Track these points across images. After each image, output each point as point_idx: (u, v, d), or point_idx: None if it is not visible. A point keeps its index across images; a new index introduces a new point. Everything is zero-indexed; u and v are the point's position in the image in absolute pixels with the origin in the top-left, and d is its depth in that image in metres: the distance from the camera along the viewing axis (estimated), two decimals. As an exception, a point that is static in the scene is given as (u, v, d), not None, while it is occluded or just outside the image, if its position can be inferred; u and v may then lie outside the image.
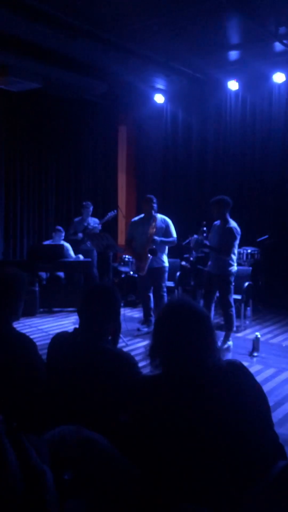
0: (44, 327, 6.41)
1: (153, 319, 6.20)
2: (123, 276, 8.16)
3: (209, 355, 1.73)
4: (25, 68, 6.89)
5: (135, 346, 5.59)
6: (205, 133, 8.61)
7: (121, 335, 2.37)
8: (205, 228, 5.55)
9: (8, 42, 6.38)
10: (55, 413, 2.11)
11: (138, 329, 6.28)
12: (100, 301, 2.22)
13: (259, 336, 5.41)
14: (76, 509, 1.64)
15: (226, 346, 5.43)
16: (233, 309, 5.62)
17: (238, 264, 7.01)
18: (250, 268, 6.74)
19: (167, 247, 6.23)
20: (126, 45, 6.67)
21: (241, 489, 1.62)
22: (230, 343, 5.55)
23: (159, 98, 8.94)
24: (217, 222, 5.58)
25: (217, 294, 5.66)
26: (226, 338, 5.50)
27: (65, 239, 8.00)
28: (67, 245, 7.76)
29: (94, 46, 6.52)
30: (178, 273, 7.17)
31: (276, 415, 3.72)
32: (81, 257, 7.74)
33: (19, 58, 6.63)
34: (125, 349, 2.37)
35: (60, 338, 2.31)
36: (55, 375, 2.23)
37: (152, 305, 6.36)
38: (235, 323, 5.71)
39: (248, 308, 6.79)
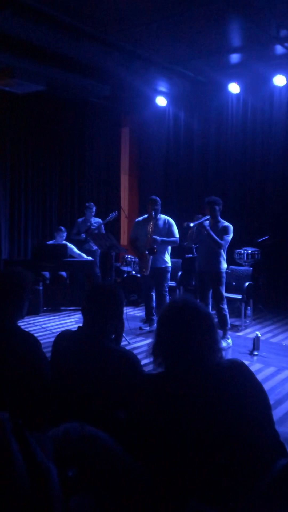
0: (48, 326, 6.45)
1: (155, 318, 6.23)
2: (125, 275, 8.20)
3: (211, 354, 1.75)
4: (29, 70, 6.92)
5: (137, 344, 5.63)
6: (206, 135, 8.63)
7: (123, 334, 2.40)
8: (208, 217, 5.63)
9: (12, 44, 6.42)
10: (59, 411, 2.14)
11: (140, 328, 6.32)
12: (104, 300, 2.25)
13: (259, 335, 5.44)
14: (80, 505, 1.66)
15: (225, 345, 5.46)
16: (226, 305, 5.69)
17: (239, 264, 7.07)
18: (251, 268, 6.77)
19: (170, 248, 6.26)
20: (129, 48, 6.71)
21: (242, 487, 1.64)
22: (229, 341, 5.59)
23: (161, 101, 8.97)
24: (207, 223, 5.62)
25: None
26: (223, 337, 5.55)
27: (68, 239, 8.04)
28: (70, 244, 7.81)
29: (98, 49, 6.55)
30: (179, 273, 7.20)
31: (276, 414, 3.75)
32: (85, 255, 7.78)
33: (23, 61, 6.66)
34: (127, 348, 2.40)
35: (64, 337, 2.33)
36: (59, 373, 2.25)
37: (154, 304, 6.40)
38: (229, 319, 5.76)
39: (249, 308, 6.81)
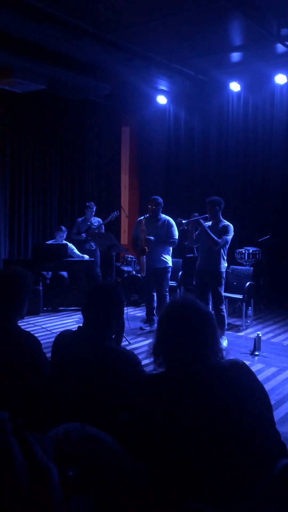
0: (48, 326, 6.44)
1: (156, 318, 6.23)
2: (125, 275, 8.20)
3: (212, 354, 1.75)
4: (30, 69, 6.93)
5: (138, 345, 5.63)
6: (207, 134, 8.63)
7: (124, 334, 2.40)
8: (207, 216, 5.63)
9: (12, 43, 6.41)
10: (59, 411, 2.14)
11: (141, 328, 6.32)
12: (104, 300, 2.24)
13: (260, 335, 5.44)
14: (81, 505, 1.66)
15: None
16: (224, 306, 5.69)
17: (240, 264, 7.06)
18: (252, 268, 6.76)
19: (171, 248, 6.25)
20: (129, 46, 6.70)
21: (244, 487, 1.64)
22: (224, 343, 5.59)
23: (161, 99, 8.96)
24: (208, 223, 5.65)
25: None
26: (220, 337, 5.53)
27: (68, 239, 8.04)
28: (71, 244, 7.81)
29: (98, 48, 6.55)
30: (180, 273, 7.20)
31: (277, 414, 3.75)
32: (86, 256, 7.78)
33: (23, 60, 6.66)
34: (127, 348, 2.39)
35: (64, 337, 2.33)
36: (60, 373, 2.25)
37: (155, 304, 6.40)
38: (226, 320, 5.76)
39: (250, 308, 6.81)
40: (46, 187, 8.90)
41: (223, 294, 5.76)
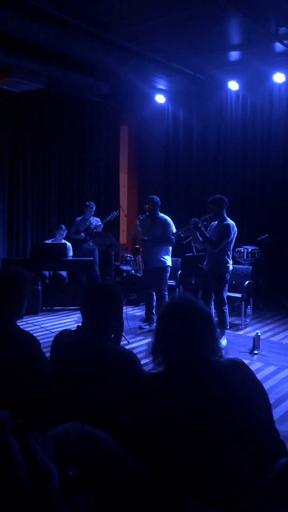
0: (47, 325, 6.44)
1: (155, 317, 6.23)
2: (124, 275, 8.20)
3: (211, 353, 1.75)
4: (28, 68, 6.91)
5: (137, 344, 5.63)
6: (206, 133, 8.63)
7: (123, 333, 2.40)
8: (208, 217, 5.62)
9: (11, 43, 6.40)
10: (59, 410, 2.14)
11: (140, 327, 6.32)
12: (103, 300, 2.24)
13: (259, 334, 5.44)
14: (81, 505, 1.66)
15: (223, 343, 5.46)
16: (227, 307, 5.69)
17: (239, 263, 7.06)
18: (251, 267, 6.77)
19: (170, 248, 6.25)
20: (128, 45, 6.70)
21: (243, 486, 1.64)
22: (223, 342, 5.59)
23: (160, 98, 8.96)
24: (214, 223, 5.66)
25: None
26: (220, 336, 5.54)
27: (67, 238, 8.04)
28: (69, 244, 7.81)
29: (96, 47, 6.54)
30: (179, 272, 7.20)
31: (276, 412, 3.75)
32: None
33: (22, 59, 6.65)
34: (127, 347, 2.39)
35: (63, 336, 2.33)
36: (59, 373, 2.25)
37: (154, 303, 6.40)
38: (228, 319, 5.77)
39: (249, 307, 6.82)
40: (45, 186, 8.90)
41: (226, 294, 5.73)
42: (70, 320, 6.75)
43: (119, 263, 8.66)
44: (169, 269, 6.27)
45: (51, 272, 7.79)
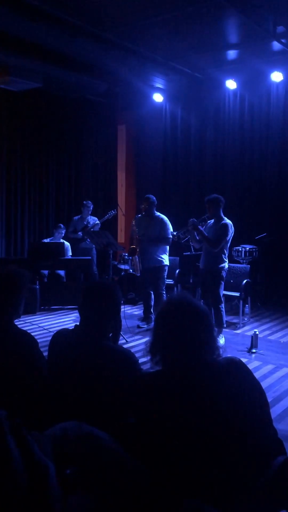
0: (45, 325, 6.44)
1: (153, 316, 6.23)
2: (122, 274, 8.19)
3: (209, 352, 1.75)
4: (26, 67, 6.91)
5: (135, 343, 5.63)
6: (204, 131, 8.63)
7: (121, 333, 2.40)
8: (206, 217, 5.64)
9: (8, 42, 6.40)
10: (57, 409, 2.14)
11: (138, 326, 6.32)
12: (101, 298, 2.24)
13: (257, 332, 5.45)
14: (79, 504, 1.66)
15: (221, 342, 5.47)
16: (223, 306, 5.71)
17: (237, 262, 7.07)
18: (249, 265, 6.77)
19: (167, 247, 6.25)
20: (126, 44, 6.69)
21: (241, 484, 1.64)
22: (222, 341, 5.59)
23: (158, 97, 8.96)
24: (211, 222, 5.67)
25: None
26: (218, 335, 5.54)
27: (64, 237, 8.04)
28: (68, 244, 7.81)
29: (94, 46, 6.54)
30: (177, 271, 7.20)
31: (274, 411, 3.75)
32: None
33: (19, 58, 6.64)
34: (125, 346, 2.39)
35: (61, 335, 2.33)
36: (57, 372, 2.25)
37: (152, 302, 6.40)
38: (225, 318, 5.78)
39: (247, 305, 6.82)
40: (42, 185, 8.89)
41: (222, 293, 5.75)
42: (68, 319, 6.75)
43: (117, 262, 8.65)
44: (166, 268, 6.28)
45: (49, 271, 7.78)
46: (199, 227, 5.56)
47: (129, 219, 9.20)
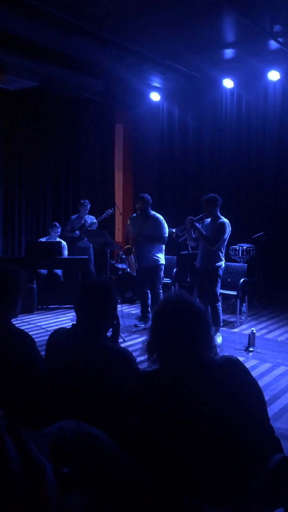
0: (42, 324, 6.43)
1: (150, 315, 6.23)
2: (120, 273, 8.19)
3: (206, 350, 1.75)
4: (22, 66, 6.89)
5: (133, 342, 5.63)
6: (201, 130, 8.63)
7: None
8: (203, 215, 5.65)
9: (5, 40, 6.37)
10: (54, 409, 2.13)
11: (136, 325, 6.32)
12: (96, 297, 2.23)
13: (254, 331, 5.46)
14: (76, 503, 1.66)
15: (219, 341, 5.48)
16: (220, 304, 5.71)
17: (234, 261, 7.08)
18: (246, 264, 6.78)
19: (163, 246, 6.25)
20: (123, 43, 6.69)
21: (239, 482, 1.64)
22: (219, 339, 5.60)
23: (155, 96, 8.96)
24: (208, 220, 5.67)
25: None
26: (214, 334, 5.54)
27: (62, 236, 8.03)
28: (64, 242, 7.80)
29: (91, 44, 6.52)
30: (174, 270, 7.21)
31: (272, 409, 3.76)
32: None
33: (16, 57, 6.62)
34: (122, 345, 2.39)
35: (58, 335, 2.32)
36: (54, 371, 2.25)
37: (149, 301, 6.40)
38: (222, 317, 5.78)
39: (244, 304, 6.83)
40: (39, 184, 8.88)
41: (219, 291, 5.77)
42: (66, 319, 6.75)
43: (114, 261, 8.65)
44: (162, 267, 6.27)
45: (47, 270, 7.78)
46: (197, 224, 5.56)
47: (126, 218, 9.19)
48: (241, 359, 1.83)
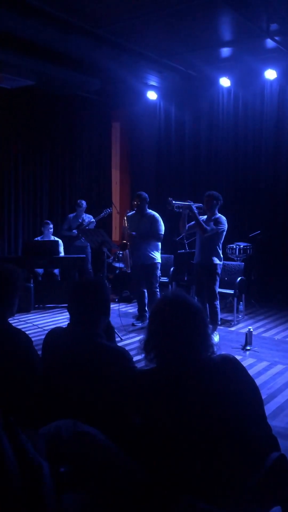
0: (40, 323, 6.43)
1: (147, 314, 6.23)
2: (117, 272, 8.19)
3: (203, 349, 1.75)
4: (18, 65, 6.86)
5: (130, 341, 5.63)
6: (198, 129, 8.63)
7: (115, 330, 2.39)
8: (202, 206, 5.64)
9: (0, 39, 6.35)
10: (51, 408, 2.13)
11: (133, 324, 6.32)
12: (87, 295, 2.23)
13: (252, 330, 5.47)
14: (73, 502, 1.66)
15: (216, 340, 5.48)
16: (218, 302, 5.71)
17: (231, 259, 7.08)
18: (243, 263, 6.79)
19: (159, 244, 6.25)
20: (119, 41, 6.67)
21: (236, 481, 1.65)
22: (216, 338, 5.60)
23: (152, 95, 8.95)
24: (203, 218, 5.67)
25: None
26: (212, 332, 5.56)
27: (58, 234, 8.02)
28: (60, 241, 7.79)
29: (87, 43, 6.50)
30: (172, 269, 7.21)
31: (269, 408, 3.77)
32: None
33: (12, 55, 6.59)
34: (119, 344, 2.38)
35: (54, 334, 2.32)
36: (51, 371, 2.24)
37: (146, 300, 6.40)
38: (220, 315, 5.79)
39: (241, 303, 6.84)
40: (36, 183, 8.86)
41: (218, 289, 5.77)
42: (63, 318, 6.74)
43: (112, 260, 8.65)
44: (159, 265, 6.27)
45: (44, 269, 7.77)
46: (193, 207, 5.54)
47: (123, 217, 9.19)
48: (238, 357, 1.84)
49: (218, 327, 5.90)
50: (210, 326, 5.56)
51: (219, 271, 5.66)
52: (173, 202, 5.56)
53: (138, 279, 6.35)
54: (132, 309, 7.24)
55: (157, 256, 6.23)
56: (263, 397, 1.97)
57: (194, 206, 5.59)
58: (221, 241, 5.67)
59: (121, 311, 6.59)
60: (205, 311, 1.90)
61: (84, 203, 8.11)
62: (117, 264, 8.42)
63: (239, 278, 6.40)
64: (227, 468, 1.65)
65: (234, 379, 1.74)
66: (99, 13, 5.80)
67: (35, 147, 8.73)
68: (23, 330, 2.39)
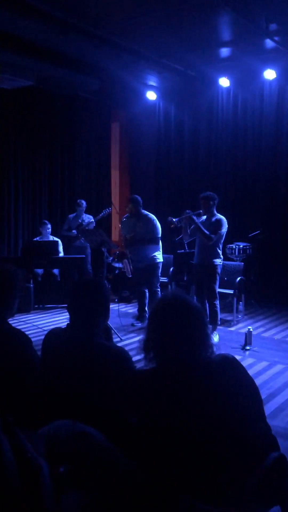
0: (39, 323, 6.42)
1: (147, 314, 6.23)
2: (117, 272, 8.19)
3: (202, 349, 1.75)
4: (18, 65, 6.86)
5: (130, 341, 5.62)
6: (197, 129, 8.63)
7: (115, 331, 2.39)
8: (201, 211, 5.66)
9: (0, 39, 6.35)
10: (50, 408, 2.13)
11: (133, 324, 6.32)
12: (87, 296, 2.23)
13: (251, 330, 5.47)
14: (72, 502, 1.65)
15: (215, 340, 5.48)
16: (218, 302, 5.71)
17: (230, 260, 7.08)
18: (242, 263, 6.79)
19: (160, 244, 6.25)
20: (118, 41, 6.67)
21: (236, 481, 1.65)
22: (215, 338, 5.60)
23: (151, 95, 8.94)
24: (203, 218, 5.67)
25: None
26: (212, 332, 5.56)
27: (58, 234, 8.02)
28: (59, 240, 7.80)
29: (87, 43, 6.50)
30: (171, 269, 7.21)
31: (268, 408, 3.77)
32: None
33: (11, 55, 6.59)
34: (119, 344, 2.38)
35: (54, 334, 2.32)
36: (50, 371, 2.24)
37: (146, 300, 6.40)
38: (219, 315, 5.79)
39: (241, 303, 6.84)
40: (35, 183, 8.86)
41: (218, 289, 5.77)
42: (62, 318, 6.73)
43: (111, 260, 8.65)
44: (160, 265, 6.27)
45: (43, 270, 7.77)
46: (194, 218, 5.56)
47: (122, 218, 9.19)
48: (237, 357, 1.83)
49: (218, 327, 5.90)
50: (210, 326, 5.56)
51: (219, 270, 5.67)
52: (173, 220, 5.60)
53: (139, 279, 6.35)
54: (131, 309, 7.24)
55: (159, 256, 6.23)
56: (263, 397, 1.97)
57: (193, 215, 5.59)
58: (221, 241, 5.67)
59: (121, 311, 6.59)
60: (204, 311, 1.90)
61: (84, 202, 8.12)
62: (116, 264, 8.41)
63: (238, 278, 6.40)
64: (226, 468, 1.65)
65: (234, 379, 1.74)
66: (99, 13, 5.80)
67: (35, 147, 8.73)
68: (22, 330, 2.39)
